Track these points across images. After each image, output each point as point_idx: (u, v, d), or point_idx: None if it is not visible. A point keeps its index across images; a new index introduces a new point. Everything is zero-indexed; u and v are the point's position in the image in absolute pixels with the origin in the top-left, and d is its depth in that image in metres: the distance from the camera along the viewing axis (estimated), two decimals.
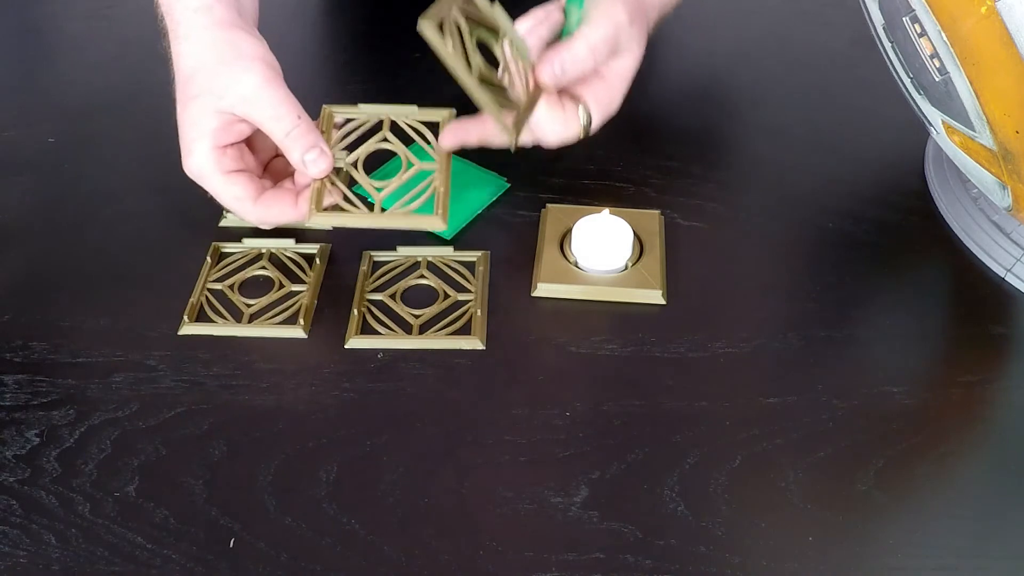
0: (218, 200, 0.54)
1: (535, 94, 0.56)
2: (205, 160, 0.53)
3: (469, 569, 0.45)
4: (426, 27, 0.49)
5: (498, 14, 0.54)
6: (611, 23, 0.55)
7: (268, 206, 0.54)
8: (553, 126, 0.57)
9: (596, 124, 0.58)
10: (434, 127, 0.57)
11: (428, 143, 0.57)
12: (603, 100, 0.57)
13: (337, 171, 0.55)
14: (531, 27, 0.56)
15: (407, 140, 0.56)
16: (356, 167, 0.55)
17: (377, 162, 0.60)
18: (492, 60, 0.54)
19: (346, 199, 0.54)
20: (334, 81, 0.75)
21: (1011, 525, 0.47)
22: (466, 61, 0.52)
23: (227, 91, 0.52)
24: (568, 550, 0.46)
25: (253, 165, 0.56)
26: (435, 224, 0.53)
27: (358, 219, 0.54)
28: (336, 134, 0.57)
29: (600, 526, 0.47)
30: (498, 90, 0.54)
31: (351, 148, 0.56)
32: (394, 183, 0.55)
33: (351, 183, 0.55)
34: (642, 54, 0.58)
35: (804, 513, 0.47)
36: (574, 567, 0.45)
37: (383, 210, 0.54)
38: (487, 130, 0.56)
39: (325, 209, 0.53)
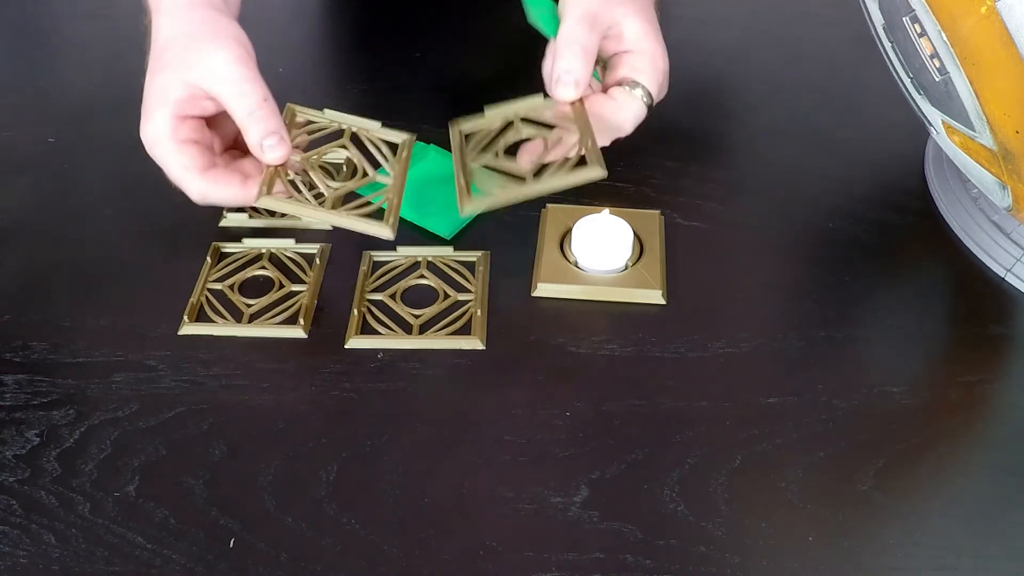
0: (167, 172, 0.54)
1: (579, 112, 0.56)
2: (162, 126, 0.52)
3: (469, 569, 0.45)
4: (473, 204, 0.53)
5: (493, 117, 0.58)
6: (579, 8, 0.55)
7: (214, 181, 0.53)
8: (616, 116, 0.56)
9: (655, 89, 0.57)
10: (393, 147, 0.59)
11: (386, 159, 0.58)
12: (643, 67, 0.56)
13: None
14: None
15: (365, 153, 0.58)
16: (311, 164, 0.55)
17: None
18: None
19: (296, 189, 0.54)
20: (334, 81, 0.75)
21: (1011, 525, 0.47)
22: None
23: (197, 64, 0.52)
24: (568, 550, 0.46)
25: (210, 143, 0.55)
26: (382, 231, 0.53)
27: (307, 209, 0.53)
28: (296, 131, 0.57)
29: (600, 526, 0.47)
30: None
31: (308, 149, 0.57)
32: (349, 185, 0.55)
33: (304, 182, 0.55)
34: (650, 4, 0.58)
35: (804, 513, 0.47)
36: (574, 567, 0.45)
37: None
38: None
39: (276, 194, 0.53)
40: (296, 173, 0.54)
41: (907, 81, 0.54)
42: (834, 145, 0.68)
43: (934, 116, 0.53)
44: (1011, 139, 0.48)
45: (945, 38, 0.47)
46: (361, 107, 0.70)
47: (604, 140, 0.57)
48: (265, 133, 0.52)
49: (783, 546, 0.46)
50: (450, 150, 0.67)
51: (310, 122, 0.58)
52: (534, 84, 0.57)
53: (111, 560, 0.45)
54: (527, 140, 0.57)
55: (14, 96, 0.74)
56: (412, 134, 0.60)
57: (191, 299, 0.56)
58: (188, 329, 0.55)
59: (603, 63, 0.58)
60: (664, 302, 0.57)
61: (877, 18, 0.54)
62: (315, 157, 0.56)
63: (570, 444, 0.50)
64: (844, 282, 0.58)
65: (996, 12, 0.44)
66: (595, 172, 0.52)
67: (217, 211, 0.62)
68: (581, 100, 0.56)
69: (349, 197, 0.55)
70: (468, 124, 0.59)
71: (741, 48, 0.77)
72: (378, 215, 0.54)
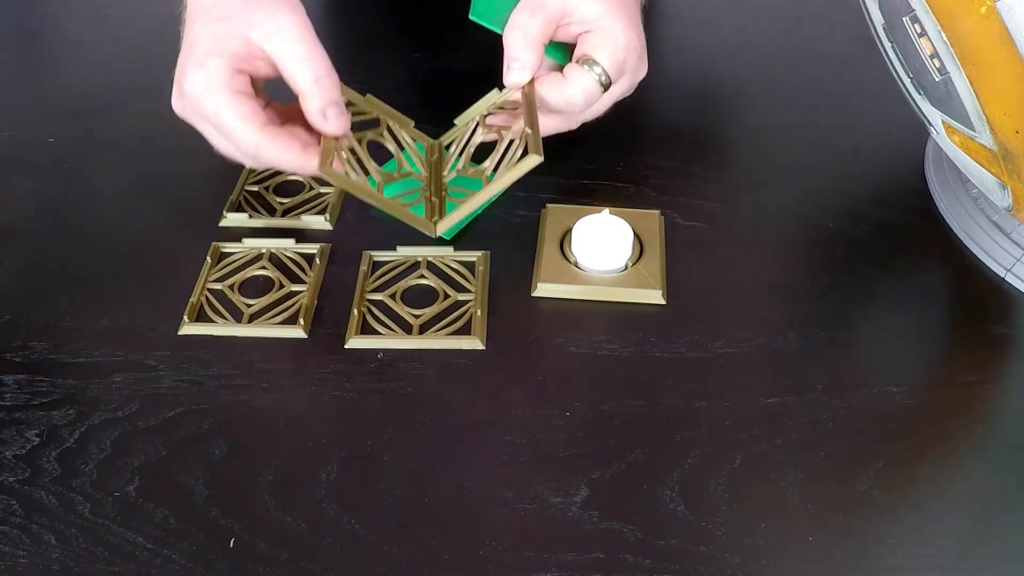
0: (218, 122, 0.50)
1: (528, 98, 0.56)
2: (216, 74, 0.49)
3: (469, 569, 0.45)
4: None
5: (462, 123, 0.60)
6: None
7: (274, 138, 0.50)
8: (564, 91, 0.56)
9: (613, 64, 0.56)
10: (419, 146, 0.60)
11: (416, 158, 0.59)
12: (599, 44, 0.56)
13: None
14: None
15: (400, 147, 0.59)
16: (362, 144, 0.55)
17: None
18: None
19: (353, 167, 0.54)
20: None
21: (1011, 525, 0.47)
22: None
23: (264, 22, 0.49)
24: (568, 550, 0.46)
25: (261, 105, 0.52)
26: (532, 160, 0.53)
27: (364, 191, 0.54)
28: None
29: (600, 526, 0.47)
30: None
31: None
32: (395, 176, 0.56)
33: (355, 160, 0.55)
34: None
35: (804, 513, 0.47)
36: (574, 567, 0.45)
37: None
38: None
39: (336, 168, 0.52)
40: (344, 150, 0.53)
41: (907, 81, 0.54)
42: (834, 145, 0.68)
43: (934, 116, 0.53)
44: (1011, 139, 0.48)
45: (945, 38, 0.47)
46: None
47: (562, 123, 0.58)
48: (329, 101, 0.50)
49: (783, 546, 0.46)
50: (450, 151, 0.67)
51: (351, 103, 0.57)
52: None
53: (111, 560, 0.45)
54: (491, 137, 0.58)
55: (14, 96, 0.74)
56: (439, 141, 0.61)
57: (191, 299, 0.56)
58: (188, 329, 0.55)
59: (570, 47, 0.58)
60: (664, 302, 0.57)
61: (877, 18, 0.54)
62: (362, 138, 0.56)
63: (570, 444, 0.50)
64: (844, 282, 0.58)
65: (996, 12, 0.44)
66: (531, 160, 0.53)
67: (217, 211, 0.62)
68: (531, 84, 0.56)
69: (394, 188, 0.56)
70: (445, 138, 0.61)
71: (741, 48, 0.77)
72: (420, 209, 0.56)
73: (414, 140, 0.60)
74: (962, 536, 0.47)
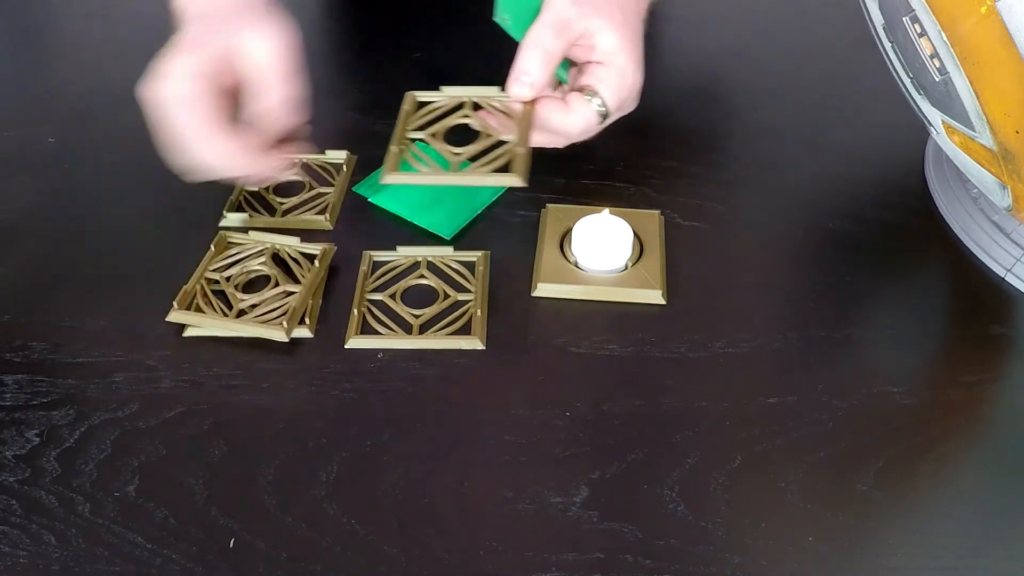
0: (186, 119, 0.51)
1: (527, 114, 0.56)
2: (190, 67, 0.51)
3: (469, 569, 0.45)
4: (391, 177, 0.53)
5: (448, 94, 0.58)
6: (552, 13, 0.55)
7: (218, 133, 0.51)
8: (564, 120, 0.56)
9: (614, 102, 0.56)
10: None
11: (510, 121, 0.57)
12: (607, 79, 0.56)
13: (407, 144, 0.55)
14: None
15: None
16: (435, 137, 0.55)
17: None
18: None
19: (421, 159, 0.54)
20: (334, 81, 0.75)
21: (1011, 525, 0.47)
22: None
23: (240, 32, 0.52)
24: (568, 550, 0.46)
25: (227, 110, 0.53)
26: (514, 180, 0.52)
27: (433, 178, 0.54)
28: (417, 114, 0.57)
29: (600, 526, 0.47)
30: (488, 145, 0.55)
31: (429, 126, 0.57)
32: (471, 148, 0.55)
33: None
34: (635, 16, 0.57)
35: (804, 513, 0.47)
36: (574, 567, 0.45)
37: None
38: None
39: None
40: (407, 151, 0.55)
41: (907, 81, 0.54)
42: (834, 145, 0.68)
43: (934, 116, 0.53)
44: (1011, 139, 0.48)
45: (945, 38, 0.47)
46: (361, 107, 0.71)
47: (550, 141, 0.57)
48: (290, 96, 0.52)
49: (783, 546, 0.46)
50: None
51: (430, 102, 0.58)
52: None
53: (111, 560, 0.45)
54: (468, 125, 0.57)
55: (14, 96, 0.74)
56: (532, 104, 0.57)
57: (192, 300, 0.56)
58: (190, 331, 0.55)
59: (576, 67, 0.58)
60: (664, 302, 0.57)
61: (877, 18, 0.54)
62: (440, 131, 0.56)
63: (570, 444, 0.50)
64: (844, 282, 0.58)
65: (996, 12, 0.44)
66: (514, 180, 0.52)
67: (217, 211, 0.62)
68: (533, 103, 0.56)
69: (476, 159, 0.55)
70: (423, 96, 0.59)
71: (741, 48, 0.77)
72: (505, 168, 0.53)
73: (502, 105, 0.58)
74: (962, 536, 0.47)
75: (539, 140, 0.58)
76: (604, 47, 0.56)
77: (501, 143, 0.55)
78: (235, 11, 0.53)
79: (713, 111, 0.72)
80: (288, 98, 0.53)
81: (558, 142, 0.58)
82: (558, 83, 0.58)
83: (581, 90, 0.57)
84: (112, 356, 0.54)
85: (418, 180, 0.54)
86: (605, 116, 0.56)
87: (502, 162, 0.54)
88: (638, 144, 0.67)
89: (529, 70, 0.54)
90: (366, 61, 0.76)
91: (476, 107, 0.57)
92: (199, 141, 0.51)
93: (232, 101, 0.54)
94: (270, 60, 0.52)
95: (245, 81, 0.53)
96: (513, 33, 0.56)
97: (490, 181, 0.53)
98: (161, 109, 0.52)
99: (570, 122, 0.56)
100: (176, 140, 0.52)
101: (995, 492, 0.48)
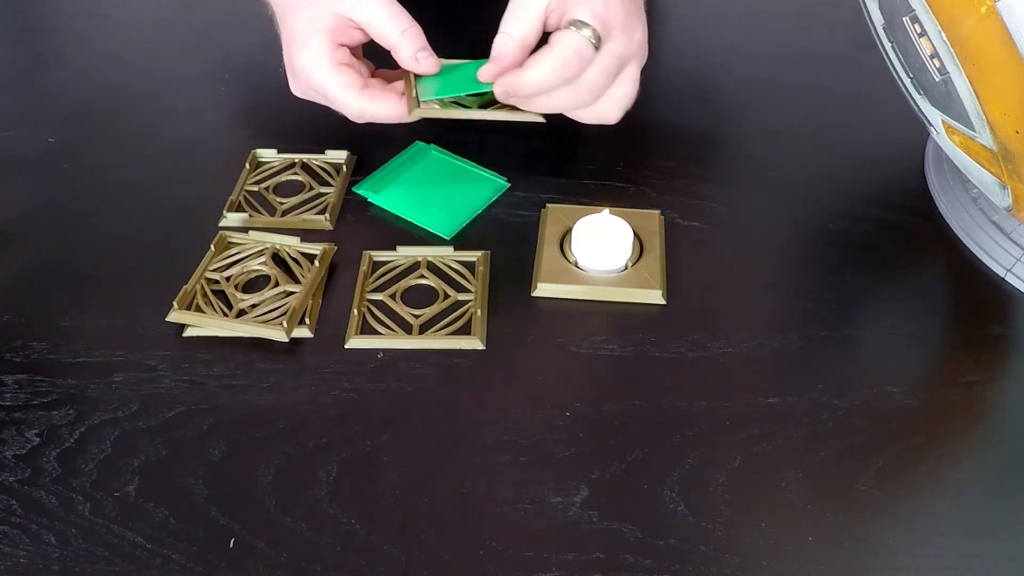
0: (324, 93, 0.58)
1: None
2: (319, 51, 0.57)
3: (469, 569, 0.45)
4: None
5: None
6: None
7: (372, 98, 0.58)
8: (556, 56, 0.54)
9: (596, 21, 0.54)
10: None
11: None
12: (585, 5, 0.54)
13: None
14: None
15: None
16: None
17: None
18: None
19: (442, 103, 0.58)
20: None
21: (1011, 525, 0.47)
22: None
23: None
24: (568, 550, 0.46)
25: (359, 69, 0.60)
26: (537, 118, 0.56)
27: (461, 112, 0.57)
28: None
29: (600, 526, 0.47)
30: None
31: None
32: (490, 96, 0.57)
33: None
34: None
35: (804, 513, 0.47)
36: (574, 567, 0.45)
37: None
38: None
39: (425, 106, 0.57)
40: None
41: (907, 81, 0.54)
42: (834, 145, 0.68)
43: (934, 116, 0.53)
44: (1011, 139, 0.48)
45: (945, 38, 0.47)
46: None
47: (567, 100, 0.55)
48: (418, 48, 0.58)
49: (783, 546, 0.46)
50: (451, 151, 0.67)
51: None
52: None
53: (111, 560, 0.45)
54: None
55: (14, 96, 0.74)
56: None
57: (192, 299, 0.56)
58: (190, 331, 0.55)
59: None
60: (664, 302, 0.57)
61: (877, 18, 0.54)
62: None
63: (570, 444, 0.50)
64: (844, 282, 0.58)
65: (996, 12, 0.44)
66: (534, 117, 0.56)
67: (217, 211, 0.62)
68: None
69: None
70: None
71: (741, 48, 0.77)
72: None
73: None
74: (962, 536, 0.47)
75: (557, 100, 0.56)
76: None
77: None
78: None
79: (713, 111, 0.72)
80: (419, 48, 0.57)
81: (577, 95, 0.56)
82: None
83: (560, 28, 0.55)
84: (112, 356, 0.54)
85: (444, 114, 0.58)
86: (598, 44, 0.55)
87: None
88: (638, 144, 0.67)
89: (510, 31, 0.55)
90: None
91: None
92: (364, 109, 0.58)
93: (360, 59, 0.61)
94: (381, 19, 0.57)
95: (368, 38, 0.59)
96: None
97: (514, 117, 0.57)
98: (320, 94, 0.59)
99: (559, 56, 0.54)
100: (335, 103, 0.58)
101: (995, 492, 0.48)
